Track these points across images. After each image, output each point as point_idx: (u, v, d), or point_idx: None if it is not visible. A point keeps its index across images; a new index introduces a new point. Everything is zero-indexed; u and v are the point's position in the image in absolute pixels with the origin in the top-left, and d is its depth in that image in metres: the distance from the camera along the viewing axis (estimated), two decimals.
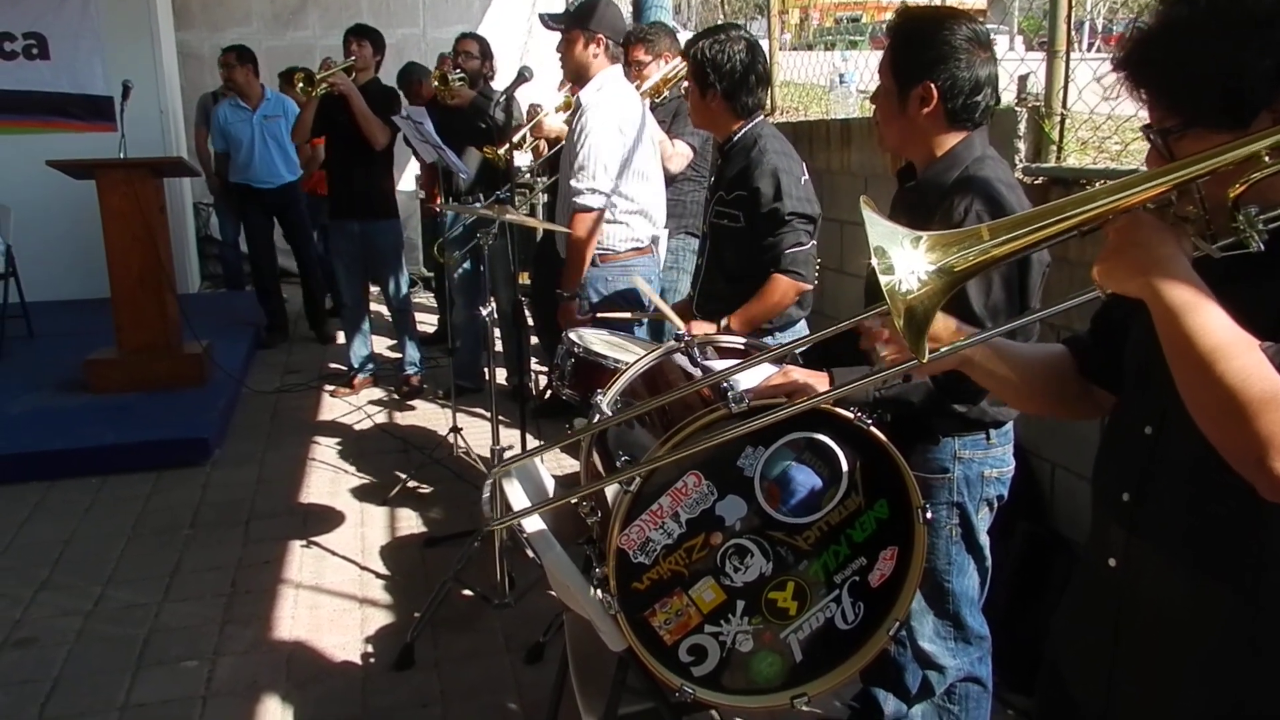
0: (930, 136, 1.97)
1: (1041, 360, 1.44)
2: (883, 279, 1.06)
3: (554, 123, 4.50)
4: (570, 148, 3.47)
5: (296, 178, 6.82)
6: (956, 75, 1.91)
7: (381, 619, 3.27)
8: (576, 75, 3.56)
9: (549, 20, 3.56)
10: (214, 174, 7.27)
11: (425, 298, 8.22)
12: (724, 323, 2.80)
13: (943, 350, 1.29)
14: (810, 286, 2.80)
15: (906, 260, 1.07)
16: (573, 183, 3.36)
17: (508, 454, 2.78)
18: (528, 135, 4.73)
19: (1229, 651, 1.14)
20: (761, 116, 2.90)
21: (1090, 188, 2.80)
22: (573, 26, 3.43)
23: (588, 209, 3.35)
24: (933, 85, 1.92)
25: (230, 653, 3.07)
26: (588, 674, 2.15)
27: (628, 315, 3.33)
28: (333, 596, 3.42)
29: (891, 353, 1.45)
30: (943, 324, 1.40)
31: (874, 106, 2.11)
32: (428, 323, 7.10)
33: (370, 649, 3.08)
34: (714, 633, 1.81)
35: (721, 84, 2.79)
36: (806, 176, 2.85)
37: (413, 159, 7.25)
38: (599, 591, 1.78)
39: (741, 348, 2.39)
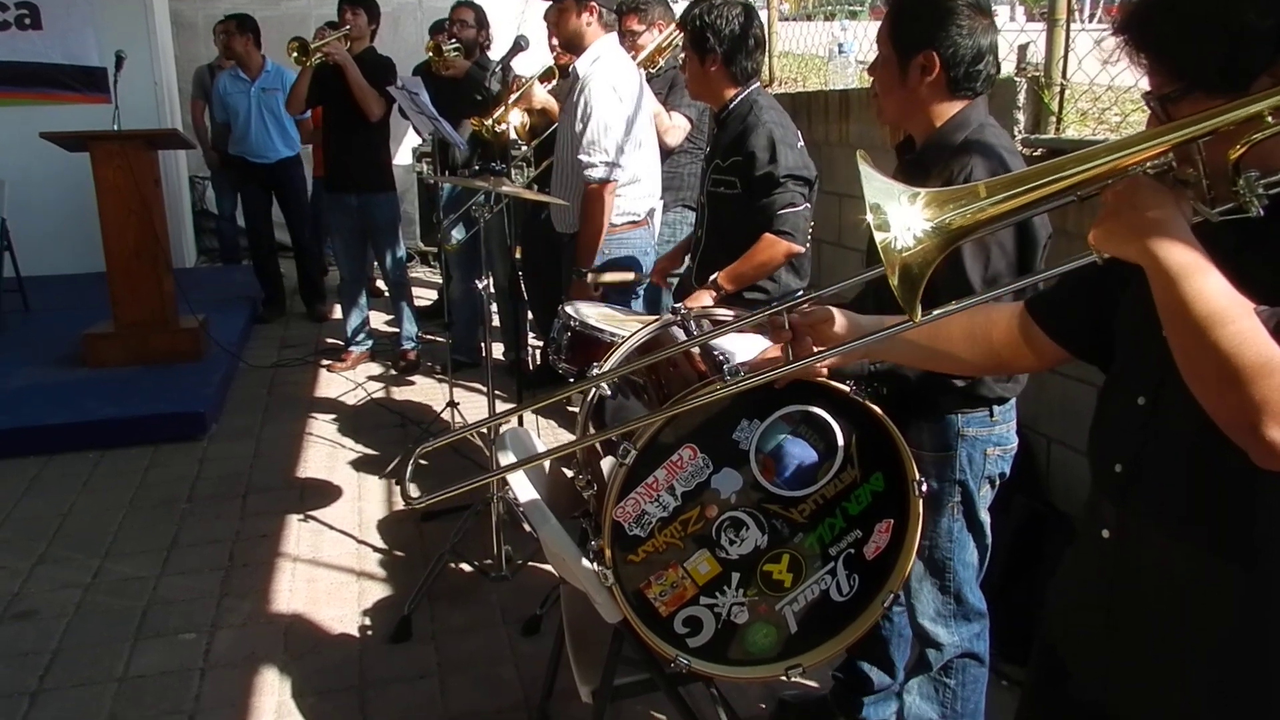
0: (930, 106, 1.94)
1: (964, 327, 1.46)
2: (878, 235, 1.05)
3: (540, 93, 4.46)
4: (570, 123, 3.44)
5: (294, 153, 6.75)
6: (959, 43, 1.88)
7: (379, 592, 3.28)
8: (569, 44, 3.53)
9: None
10: (211, 147, 7.21)
11: (422, 272, 8.21)
12: (713, 279, 2.81)
13: (935, 314, 1.27)
14: (801, 249, 2.78)
15: (902, 217, 1.05)
16: (581, 157, 3.34)
17: (504, 428, 2.77)
18: (516, 106, 4.67)
19: (1224, 623, 1.14)
20: (757, 84, 2.89)
21: None
22: None
23: (604, 180, 3.33)
24: (935, 54, 1.88)
25: (228, 625, 3.08)
26: (584, 646, 2.16)
27: (630, 276, 3.31)
28: (330, 570, 3.42)
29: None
30: (836, 326, 1.50)
31: (872, 78, 2.08)
32: (425, 297, 7.08)
33: (367, 621, 3.09)
34: (709, 604, 1.81)
35: (721, 47, 2.77)
36: (801, 143, 2.84)
37: (410, 131, 7.20)
38: (595, 564, 1.78)
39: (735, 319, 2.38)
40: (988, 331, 1.46)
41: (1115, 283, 1.24)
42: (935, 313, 1.27)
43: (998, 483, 2.12)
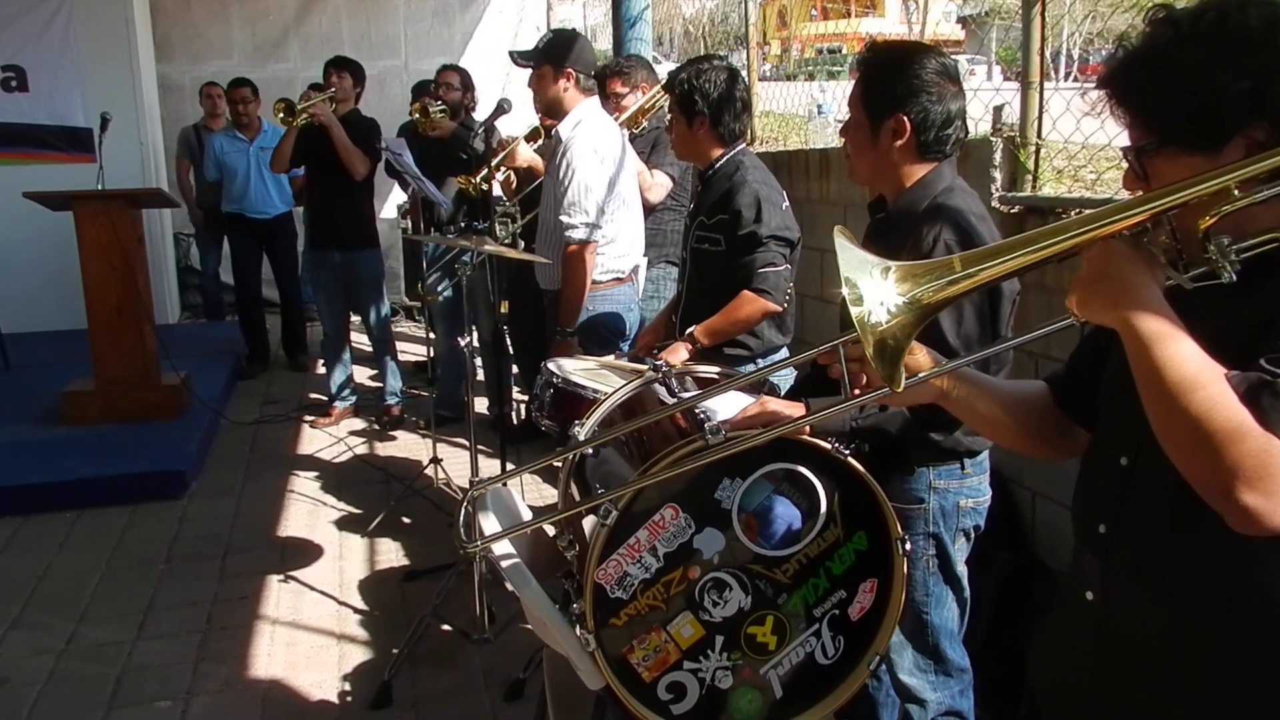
0: (900, 168, 1.99)
1: (1020, 396, 1.43)
2: (853, 310, 1.05)
3: (525, 152, 4.52)
4: (553, 184, 3.47)
5: (289, 209, 6.86)
6: (929, 108, 1.93)
7: (359, 655, 3.22)
8: (548, 109, 3.58)
9: (518, 57, 3.57)
10: (196, 205, 7.26)
11: (407, 326, 8.21)
12: (689, 332, 2.81)
13: (919, 376, 1.28)
14: (779, 308, 2.80)
15: (876, 291, 1.06)
16: (563, 218, 3.36)
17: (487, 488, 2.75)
18: (501, 165, 4.72)
19: (1205, 685, 1.13)
20: (743, 145, 2.93)
21: (1065, 217, 2.82)
22: (542, 62, 3.45)
23: (583, 241, 3.35)
24: (905, 118, 1.93)
25: (204, 692, 3.01)
26: (566, 711, 2.12)
27: (610, 358, 3.30)
28: (310, 633, 3.36)
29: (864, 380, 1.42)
30: (922, 355, 1.39)
31: (844, 139, 2.12)
32: (411, 353, 7.07)
33: (348, 687, 3.03)
34: (693, 669, 1.78)
35: (708, 110, 2.82)
36: (787, 203, 2.87)
37: (395, 188, 7.26)
38: (577, 628, 1.75)
39: (717, 377, 2.39)
40: (1041, 410, 1.43)
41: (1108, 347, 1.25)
42: (920, 376, 1.29)
43: (973, 535, 2.11)
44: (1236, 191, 1.01)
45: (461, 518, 1.69)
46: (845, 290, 1.05)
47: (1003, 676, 2.48)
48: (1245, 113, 1.04)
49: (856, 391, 1.34)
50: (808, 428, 1.79)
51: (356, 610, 3.51)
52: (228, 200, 6.72)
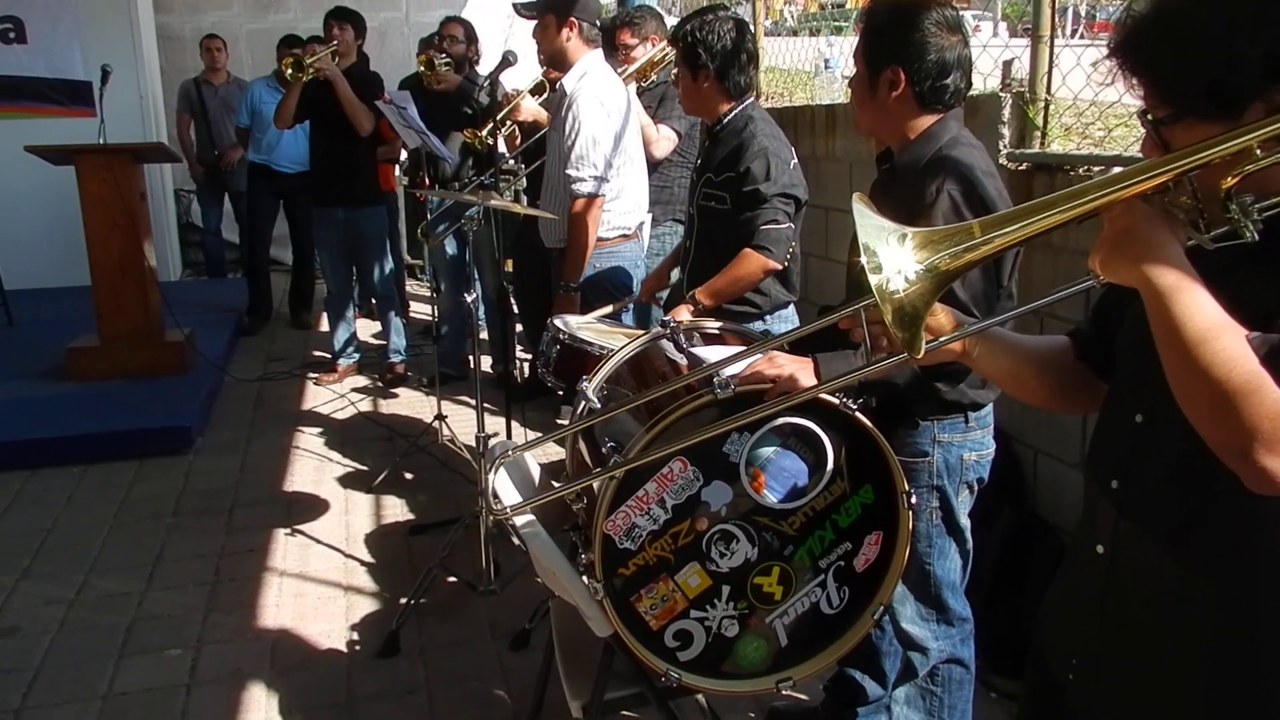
0: (903, 120, 1.99)
1: (1043, 351, 1.43)
2: (872, 279, 1.05)
3: (530, 105, 4.48)
4: (559, 138, 3.45)
5: None
6: (924, 59, 1.92)
7: (366, 606, 3.26)
8: (553, 61, 3.55)
9: (521, 8, 3.54)
10: (197, 161, 7.20)
11: (410, 285, 8.18)
12: (691, 294, 2.81)
13: (939, 340, 1.28)
14: (779, 266, 2.78)
15: (894, 259, 1.06)
16: (569, 172, 3.35)
17: (493, 441, 2.77)
18: (506, 119, 4.69)
19: (1213, 643, 1.14)
20: (752, 99, 2.90)
21: (1074, 174, 2.81)
22: (545, 11, 3.41)
23: (592, 195, 3.34)
24: (899, 69, 1.93)
25: (214, 641, 3.06)
26: (574, 660, 2.15)
27: (609, 310, 3.31)
28: (317, 584, 3.41)
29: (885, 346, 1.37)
30: (944, 316, 1.37)
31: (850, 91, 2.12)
32: (414, 311, 7.07)
33: (355, 636, 3.08)
34: (700, 618, 1.81)
35: (713, 63, 2.79)
36: (796, 160, 2.85)
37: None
38: (585, 577, 1.78)
39: (720, 332, 2.39)
40: (1062, 364, 1.42)
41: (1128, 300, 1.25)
42: (940, 340, 1.29)
43: (976, 488, 2.14)
44: (1259, 151, 1.00)
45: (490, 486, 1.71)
46: (864, 258, 1.05)
47: (1005, 632, 2.52)
48: (1261, 78, 1.02)
49: (875, 356, 1.32)
50: (816, 382, 1.81)
51: (363, 563, 3.55)
52: (256, 150, 6.54)
